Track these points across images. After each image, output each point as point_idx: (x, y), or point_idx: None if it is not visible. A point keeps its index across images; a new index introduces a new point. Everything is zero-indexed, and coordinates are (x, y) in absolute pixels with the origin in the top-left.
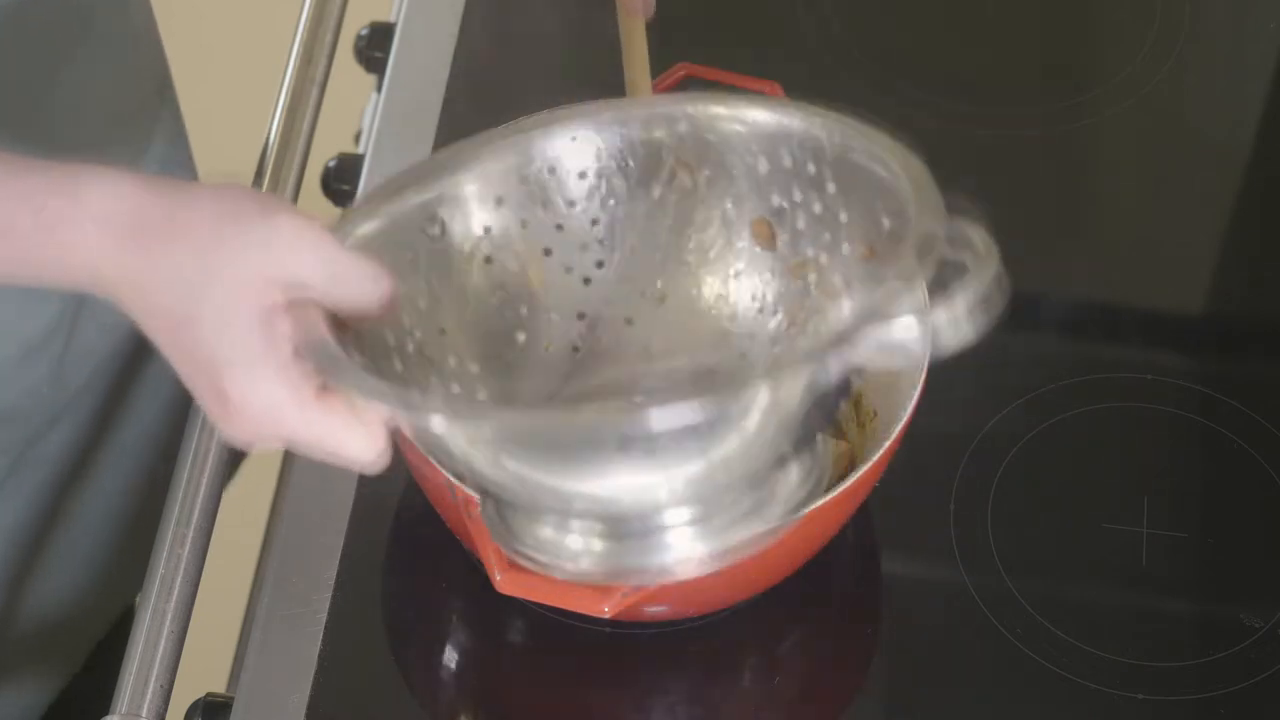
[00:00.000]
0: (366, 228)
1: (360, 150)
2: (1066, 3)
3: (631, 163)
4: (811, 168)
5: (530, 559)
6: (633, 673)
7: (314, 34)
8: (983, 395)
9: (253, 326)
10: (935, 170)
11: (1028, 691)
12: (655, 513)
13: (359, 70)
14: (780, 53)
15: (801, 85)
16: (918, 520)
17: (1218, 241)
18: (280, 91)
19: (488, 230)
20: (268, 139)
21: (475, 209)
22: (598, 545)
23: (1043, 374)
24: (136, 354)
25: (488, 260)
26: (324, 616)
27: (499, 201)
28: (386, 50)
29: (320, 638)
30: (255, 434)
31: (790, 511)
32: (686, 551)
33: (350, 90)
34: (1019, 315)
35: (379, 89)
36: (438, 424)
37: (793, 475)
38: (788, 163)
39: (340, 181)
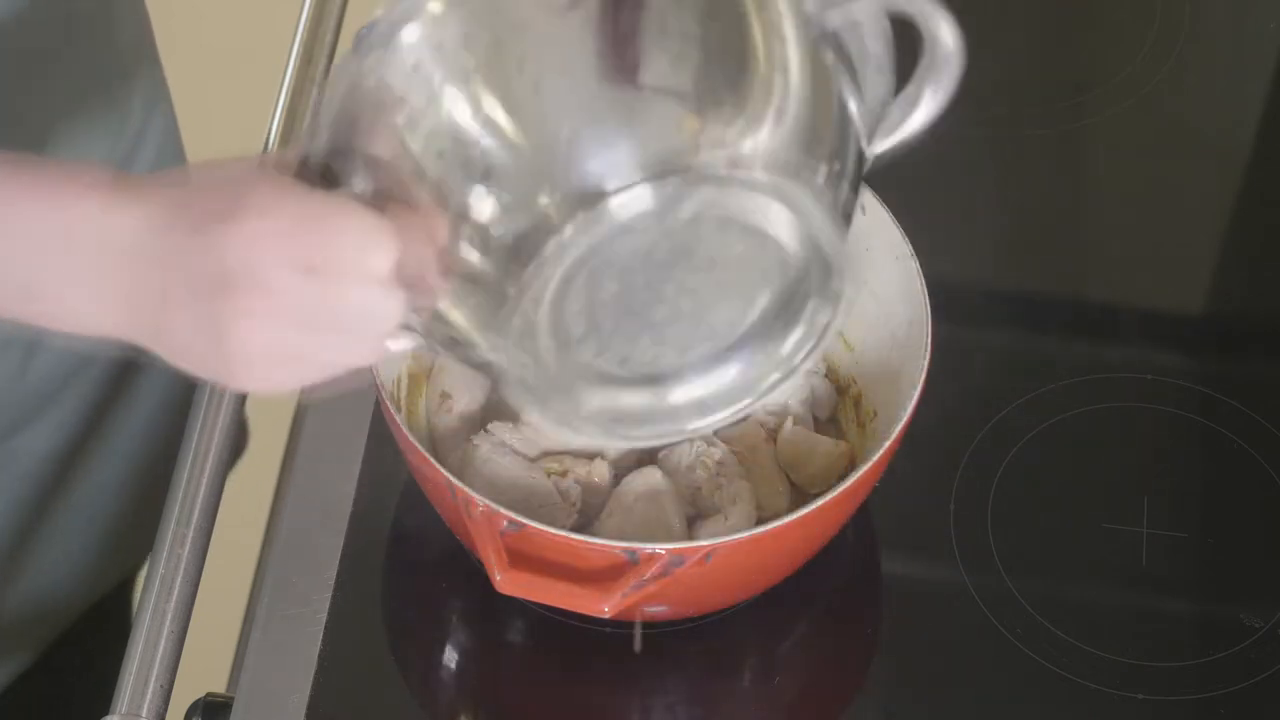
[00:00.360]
0: None
1: None
2: (1066, 3)
3: None
4: None
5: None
6: (633, 673)
7: (314, 34)
8: (983, 395)
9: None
10: (935, 170)
11: (1028, 691)
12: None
13: None
14: None
15: None
16: (918, 520)
17: (1218, 241)
18: (280, 91)
19: None
20: (268, 139)
21: None
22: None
23: (1043, 374)
24: (124, 368)
25: None
26: (324, 616)
27: None
28: None
29: (320, 638)
30: (262, 237)
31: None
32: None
33: None
34: (1019, 315)
35: None
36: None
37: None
38: None
39: None
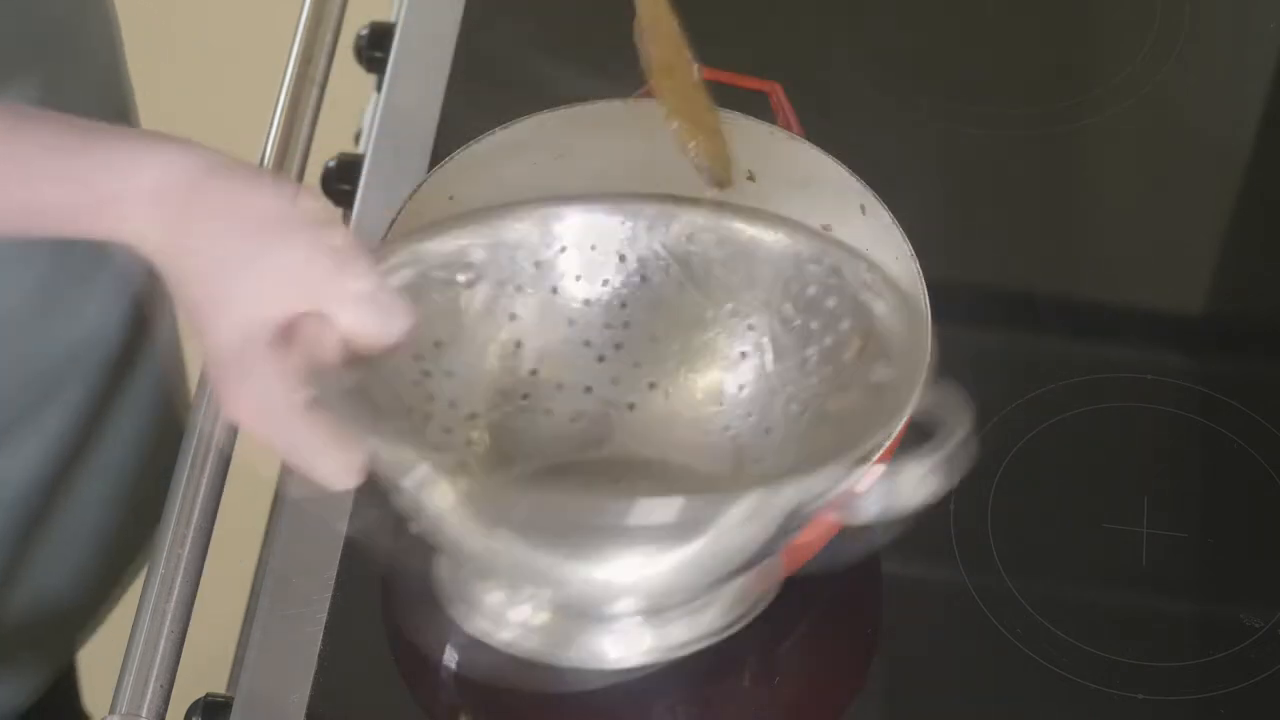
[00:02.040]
0: (398, 260)
1: (360, 150)
2: (1066, 3)
3: (667, 259)
4: (831, 301)
5: (472, 622)
6: (633, 673)
7: (314, 34)
8: (983, 395)
9: (270, 326)
10: (935, 170)
11: (1028, 691)
12: (608, 599)
13: (359, 70)
14: (781, 53)
15: (802, 85)
16: (918, 520)
17: (1218, 241)
18: (280, 91)
19: (518, 288)
20: (268, 139)
21: (509, 269)
22: (542, 619)
23: (1043, 374)
24: (111, 378)
25: (511, 317)
26: (324, 616)
27: (536, 265)
28: (386, 50)
29: (320, 638)
30: (244, 421)
31: (729, 624)
32: (628, 642)
33: (350, 90)
34: (1019, 315)
35: (379, 89)
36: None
37: (738, 586)
38: (811, 291)
39: (340, 182)
